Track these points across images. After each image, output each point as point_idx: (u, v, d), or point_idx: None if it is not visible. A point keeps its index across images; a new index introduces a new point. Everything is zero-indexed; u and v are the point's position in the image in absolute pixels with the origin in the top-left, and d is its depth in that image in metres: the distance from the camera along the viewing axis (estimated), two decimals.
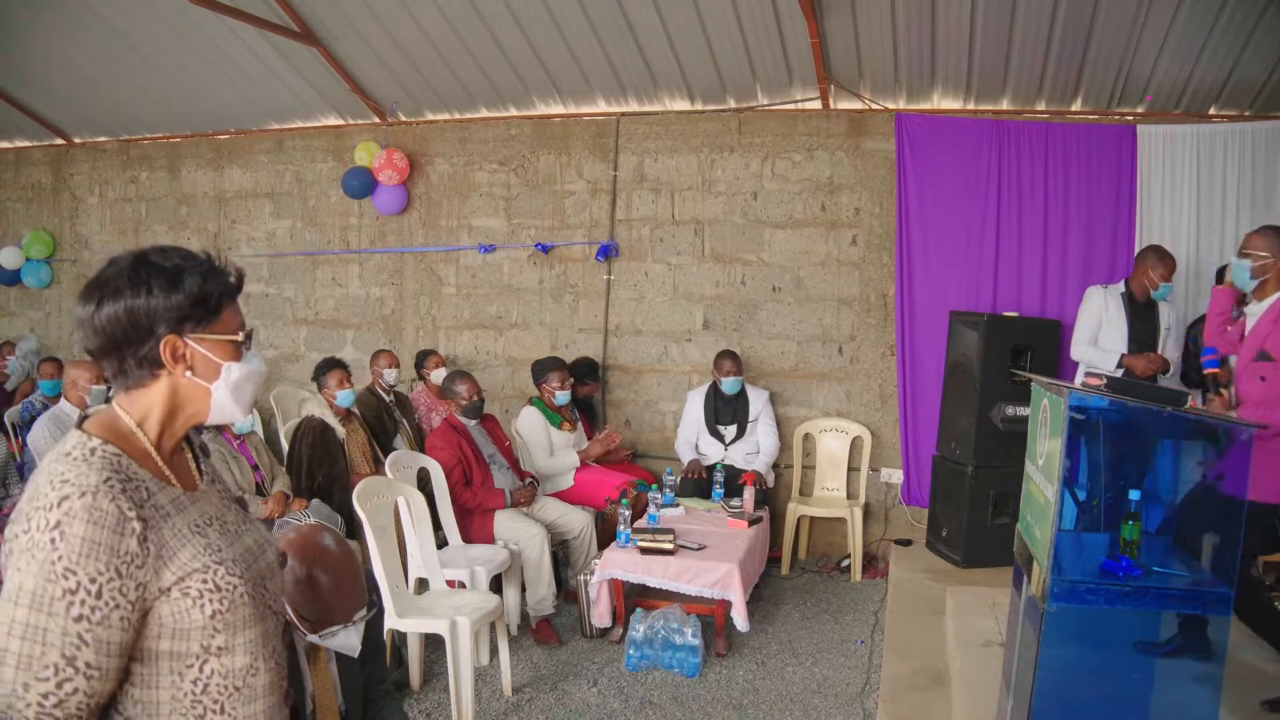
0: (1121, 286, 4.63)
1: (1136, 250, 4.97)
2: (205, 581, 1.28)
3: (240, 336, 1.36)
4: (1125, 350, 4.50)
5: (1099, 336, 4.61)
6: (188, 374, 1.33)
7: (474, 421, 4.87)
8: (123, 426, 1.32)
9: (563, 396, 5.31)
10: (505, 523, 4.57)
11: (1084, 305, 4.71)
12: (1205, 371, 3.49)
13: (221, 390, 1.35)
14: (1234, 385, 3.33)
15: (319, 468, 4.61)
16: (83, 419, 1.36)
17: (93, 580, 1.19)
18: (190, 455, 1.44)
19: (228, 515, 1.41)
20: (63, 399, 4.93)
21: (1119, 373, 4.44)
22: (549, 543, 4.56)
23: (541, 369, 5.39)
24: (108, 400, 1.40)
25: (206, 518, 1.35)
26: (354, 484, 4.37)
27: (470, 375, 4.92)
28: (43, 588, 1.17)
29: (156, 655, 1.26)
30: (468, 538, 4.53)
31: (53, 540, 1.18)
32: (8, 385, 6.80)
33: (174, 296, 1.29)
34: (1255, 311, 3.31)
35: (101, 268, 1.33)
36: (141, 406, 1.33)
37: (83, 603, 1.18)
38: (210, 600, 1.28)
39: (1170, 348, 4.54)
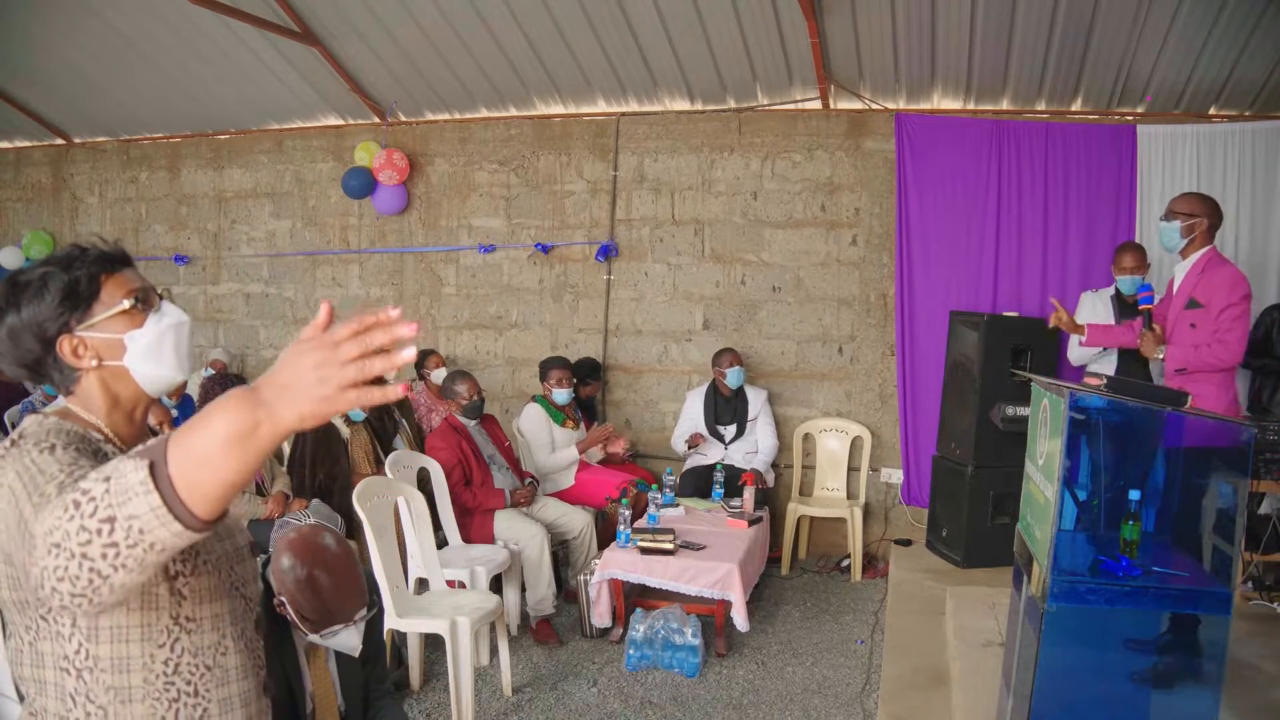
0: (1111, 289, 4.65)
1: None
2: None
3: (126, 304, 1.31)
4: (1116, 351, 4.53)
5: None
6: (95, 363, 1.31)
7: (474, 422, 4.87)
8: (74, 414, 1.33)
9: (561, 395, 5.31)
10: (505, 522, 4.57)
11: (1076, 311, 4.76)
12: (1141, 308, 3.77)
13: (136, 361, 1.32)
14: (1163, 331, 3.68)
15: (321, 466, 4.61)
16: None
17: (67, 444, 1.21)
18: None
19: None
20: (59, 398, 4.94)
21: (1104, 361, 4.58)
22: (549, 543, 4.56)
23: (546, 366, 5.42)
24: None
25: None
26: (355, 484, 4.37)
27: (470, 375, 4.92)
28: (21, 466, 1.17)
29: (127, 631, 1.24)
30: (468, 538, 4.53)
31: (14, 442, 1.21)
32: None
33: (45, 300, 1.28)
34: (1183, 268, 3.65)
35: None
36: (86, 399, 1.34)
37: (63, 449, 1.20)
38: (174, 560, 1.25)
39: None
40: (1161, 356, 3.65)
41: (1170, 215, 3.64)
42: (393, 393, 0.96)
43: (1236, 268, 3.60)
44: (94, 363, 1.31)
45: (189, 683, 1.29)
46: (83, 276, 1.30)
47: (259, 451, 0.95)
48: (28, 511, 1.11)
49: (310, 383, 0.92)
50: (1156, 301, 3.78)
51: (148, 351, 1.32)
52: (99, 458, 1.25)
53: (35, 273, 1.30)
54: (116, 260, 1.34)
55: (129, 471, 0.95)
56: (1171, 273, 3.80)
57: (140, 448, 0.99)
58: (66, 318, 1.29)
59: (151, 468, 0.95)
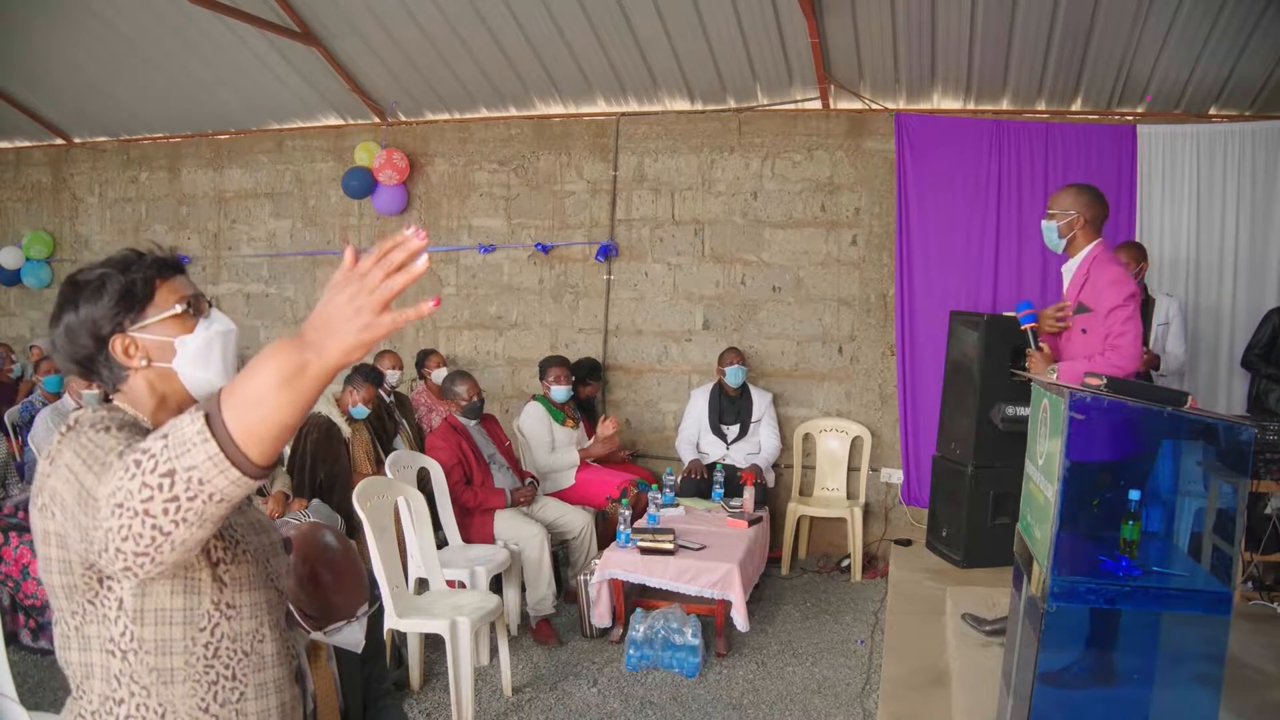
0: None
1: None
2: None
3: (179, 308, 1.36)
4: None
5: None
6: (145, 363, 1.36)
7: (474, 422, 4.87)
8: (126, 410, 1.37)
9: (559, 392, 5.31)
10: (505, 522, 4.57)
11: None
12: (1022, 327, 3.48)
13: (185, 365, 1.37)
14: (1050, 341, 3.41)
15: (321, 466, 4.61)
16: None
17: (122, 425, 1.26)
18: None
19: None
20: (65, 395, 4.95)
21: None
22: (549, 543, 4.56)
23: (545, 365, 5.42)
24: (108, 400, 1.42)
25: None
26: (355, 484, 4.37)
27: (470, 375, 4.92)
28: (79, 445, 1.21)
29: (171, 614, 1.28)
30: (467, 538, 4.54)
31: (71, 429, 1.25)
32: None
33: (103, 300, 1.33)
34: (1069, 268, 3.37)
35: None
36: (134, 399, 1.39)
37: (118, 429, 1.25)
38: (215, 547, 1.31)
39: (1172, 340, 4.55)
40: (1054, 376, 3.36)
41: (1047, 213, 3.37)
42: (425, 307, 1.00)
43: (1122, 266, 3.34)
44: (144, 363, 1.36)
45: (227, 666, 1.33)
46: (139, 279, 1.35)
47: (310, 390, 1.00)
48: (89, 481, 1.15)
49: (348, 314, 0.99)
50: (1069, 311, 3.46)
51: (196, 356, 1.37)
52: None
53: (94, 273, 1.35)
54: (171, 266, 1.40)
55: (186, 424, 0.99)
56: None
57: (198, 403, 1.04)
58: (121, 318, 1.34)
59: (207, 418, 0.99)
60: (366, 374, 4.92)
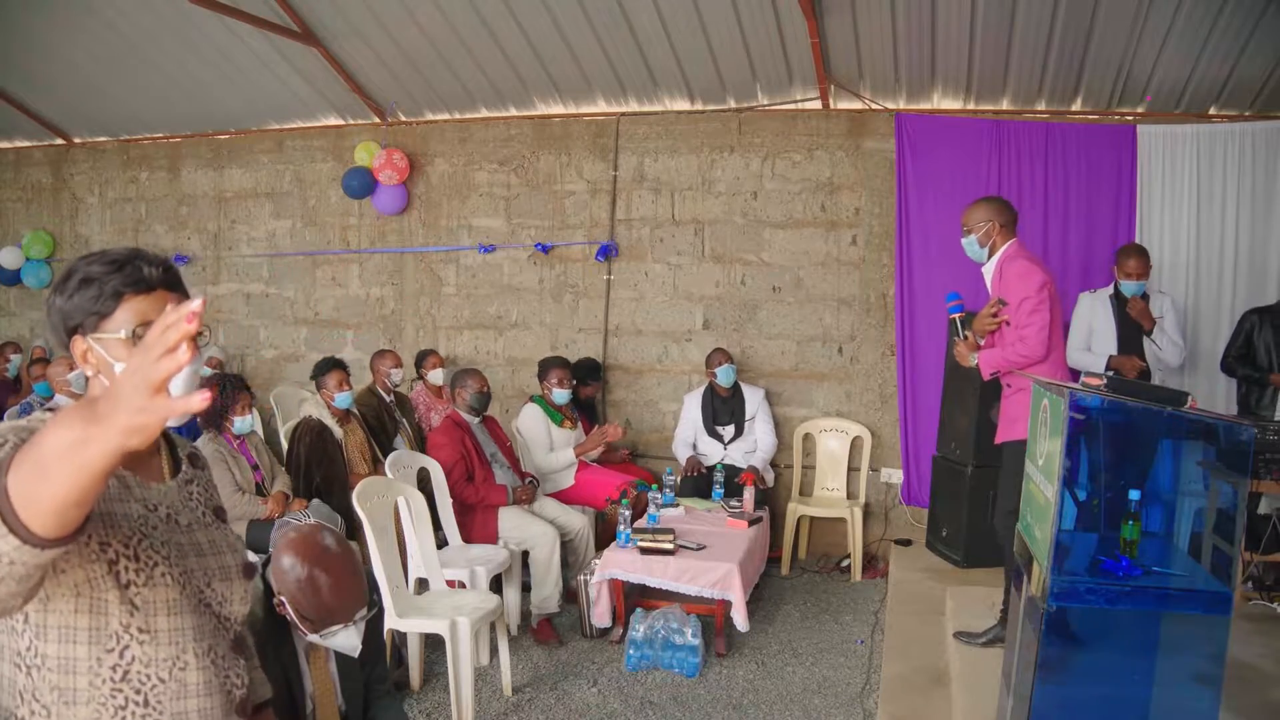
0: (1110, 289, 4.65)
1: None
2: (126, 546, 1.25)
3: (122, 334, 1.29)
4: (1115, 351, 4.53)
5: (1091, 341, 4.65)
6: (94, 373, 1.32)
7: (477, 420, 4.88)
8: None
9: (560, 395, 5.31)
10: (512, 521, 4.57)
11: (1074, 312, 4.76)
12: (950, 316, 3.71)
13: None
14: (975, 332, 3.62)
15: (317, 469, 4.60)
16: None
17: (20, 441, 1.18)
18: (167, 454, 1.43)
19: (183, 514, 1.38)
20: (56, 396, 4.95)
21: (1110, 374, 4.50)
22: (559, 542, 4.58)
23: (545, 366, 5.41)
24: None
25: (153, 503, 1.34)
26: (353, 484, 4.37)
27: (479, 372, 4.95)
28: None
29: (75, 633, 1.23)
30: (469, 537, 4.53)
31: None
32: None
33: (75, 298, 1.31)
34: (988, 270, 3.61)
35: None
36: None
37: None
38: (126, 569, 1.24)
39: (1168, 339, 4.56)
40: (975, 364, 3.57)
41: (964, 231, 3.60)
42: (196, 400, 0.93)
43: (1031, 260, 3.48)
44: (92, 373, 1.32)
45: (139, 691, 1.27)
46: (107, 289, 1.30)
47: (91, 468, 0.93)
48: None
49: (128, 392, 0.91)
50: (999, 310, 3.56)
51: None
52: None
53: (85, 267, 1.32)
54: (149, 283, 1.32)
55: None
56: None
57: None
58: (83, 321, 1.31)
59: None
60: (323, 368, 4.91)
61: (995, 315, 3.48)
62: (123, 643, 1.25)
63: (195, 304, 0.92)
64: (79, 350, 1.31)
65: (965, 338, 3.65)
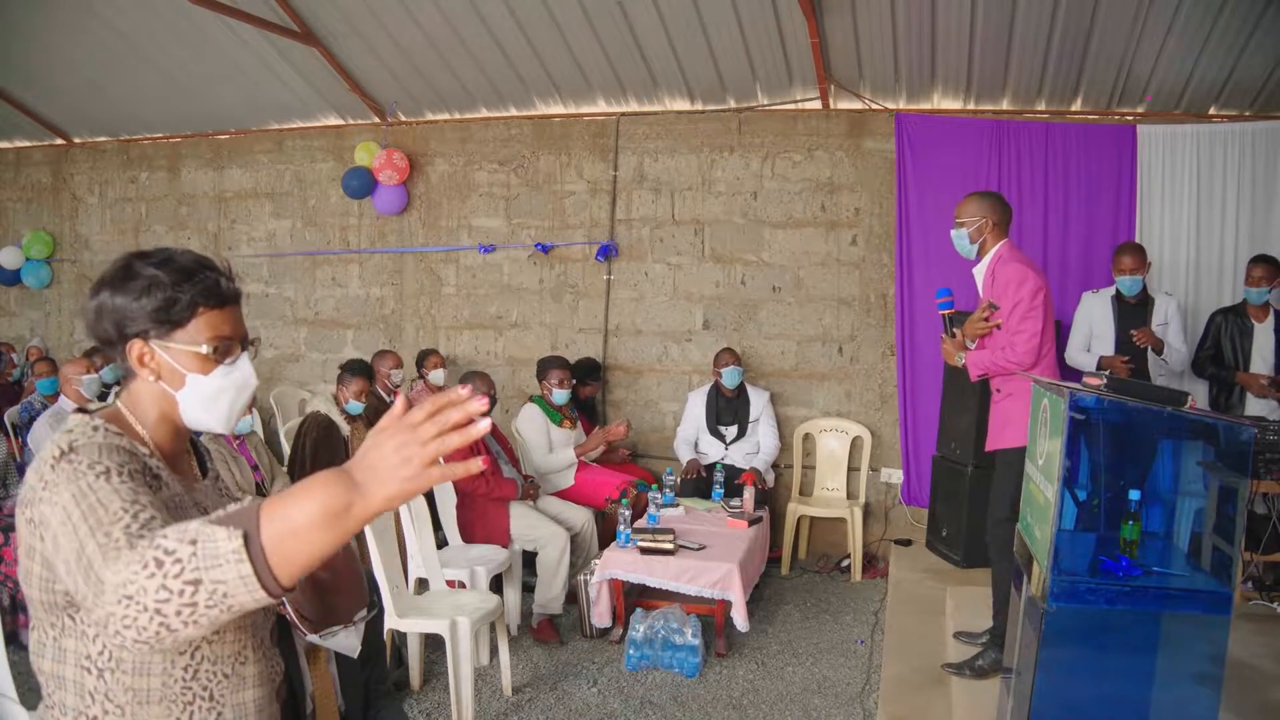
0: (1112, 290, 4.65)
1: None
2: (195, 544, 1.25)
3: (204, 349, 1.32)
4: (1113, 352, 4.54)
5: (1091, 342, 4.65)
6: (153, 379, 1.33)
7: None
8: (123, 418, 1.35)
9: (560, 395, 5.31)
10: (523, 521, 4.57)
11: (1076, 312, 4.77)
12: (941, 312, 3.64)
13: (188, 401, 1.34)
14: (966, 335, 3.56)
15: (322, 464, 4.61)
16: (80, 411, 1.38)
17: (121, 466, 1.20)
18: (194, 455, 1.47)
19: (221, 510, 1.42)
20: (61, 396, 4.94)
21: (1105, 375, 4.51)
22: (569, 544, 4.58)
23: (544, 366, 5.41)
24: (105, 389, 1.42)
25: (200, 508, 1.37)
26: None
27: (486, 375, 4.95)
28: (78, 486, 1.16)
29: None
30: (475, 536, 4.53)
31: (69, 460, 1.19)
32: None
33: (141, 302, 1.30)
34: (979, 270, 3.52)
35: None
36: (137, 403, 1.36)
37: (119, 476, 1.19)
38: None
39: (1173, 339, 4.56)
40: (962, 363, 3.51)
41: (956, 223, 3.50)
42: (475, 465, 1.05)
43: (1025, 263, 3.39)
44: (152, 378, 1.33)
45: (205, 688, 1.31)
46: (184, 300, 1.30)
47: (349, 530, 1.01)
48: (91, 549, 1.10)
49: (395, 464, 0.99)
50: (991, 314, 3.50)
51: (202, 399, 1.34)
52: (149, 476, 1.28)
53: (149, 269, 1.30)
54: (224, 297, 1.34)
55: (221, 539, 0.99)
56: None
57: (226, 513, 1.03)
58: (149, 327, 1.30)
59: (245, 537, 0.99)
60: (353, 370, 4.92)
61: (987, 319, 3.42)
62: (195, 643, 1.29)
63: (482, 403, 1.02)
64: (136, 353, 1.31)
65: (954, 335, 3.59)
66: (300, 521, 0.99)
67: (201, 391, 1.34)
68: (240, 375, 1.37)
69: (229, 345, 1.35)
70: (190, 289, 1.31)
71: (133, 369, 1.33)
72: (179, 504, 1.33)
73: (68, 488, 1.17)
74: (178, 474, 1.38)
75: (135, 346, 1.31)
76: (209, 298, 1.32)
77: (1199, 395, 4.99)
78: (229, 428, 1.40)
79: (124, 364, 1.34)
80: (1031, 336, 3.29)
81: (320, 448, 4.62)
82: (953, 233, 3.53)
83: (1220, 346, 4.61)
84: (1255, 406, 4.53)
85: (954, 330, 3.60)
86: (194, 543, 1.00)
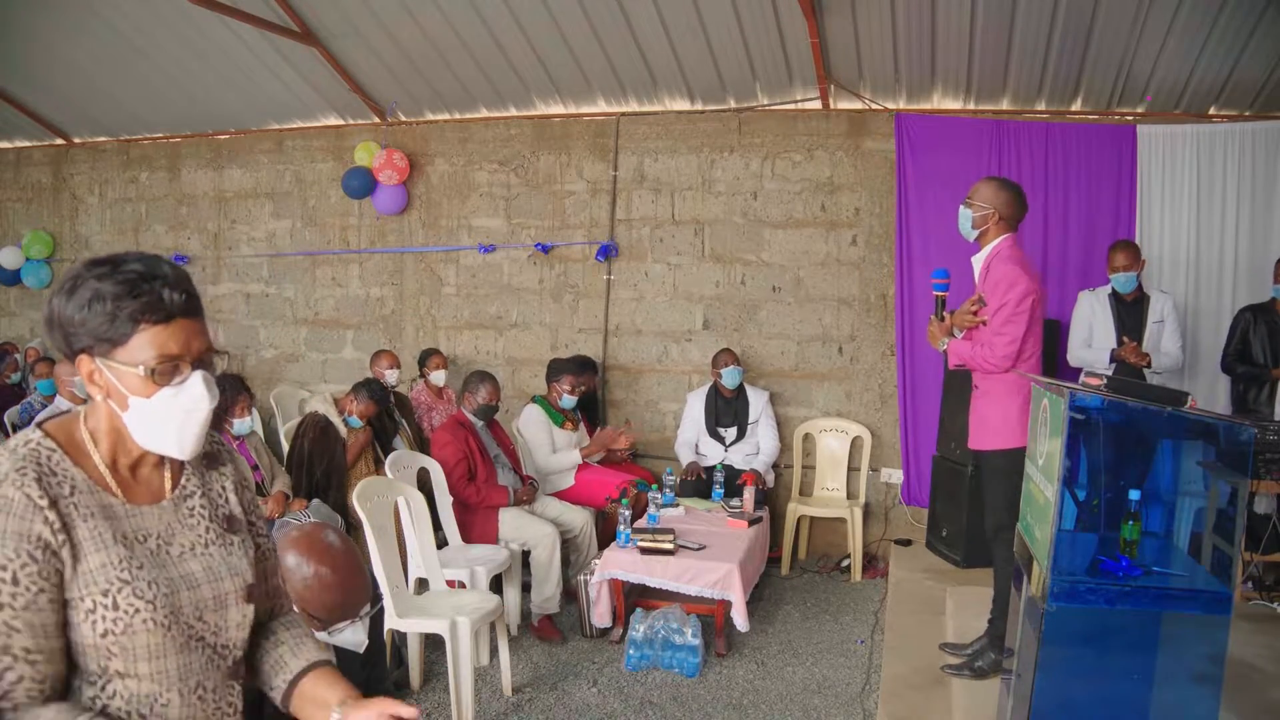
0: (1109, 288, 4.66)
1: None
2: (106, 596, 1.22)
3: (140, 370, 1.21)
4: (1114, 347, 4.55)
5: (1092, 339, 4.66)
6: (102, 397, 1.26)
7: (481, 421, 4.88)
8: (75, 429, 1.29)
9: (568, 401, 5.32)
10: (513, 522, 4.57)
11: (1075, 311, 4.77)
12: (935, 294, 3.57)
13: (134, 423, 1.25)
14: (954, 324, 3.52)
15: (319, 463, 4.61)
16: (44, 420, 1.34)
17: (3, 567, 1.15)
18: (170, 471, 1.37)
19: (178, 536, 1.33)
20: (58, 397, 4.95)
21: (1113, 368, 4.53)
22: (560, 543, 4.58)
23: (557, 370, 5.39)
24: None
25: (142, 533, 1.29)
26: (353, 484, 4.37)
27: (494, 379, 4.93)
28: None
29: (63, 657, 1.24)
30: (469, 537, 4.54)
31: None
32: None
33: (83, 314, 1.21)
34: (978, 260, 3.45)
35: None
36: (95, 416, 1.30)
37: (13, 579, 1.15)
38: (103, 619, 1.21)
39: (1167, 338, 4.57)
40: (944, 349, 3.49)
41: (966, 201, 3.42)
42: None
43: (1020, 266, 3.31)
44: (100, 396, 1.26)
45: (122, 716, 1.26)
46: (123, 317, 1.20)
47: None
48: None
49: None
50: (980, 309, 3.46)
51: (146, 422, 1.25)
52: (47, 543, 1.19)
53: (95, 281, 1.21)
54: (170, 311, 1.23)
55: None
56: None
57: None
58: (91, 342, 1.22)
59: None
60: (373, 392, 4.94)
61: (975, 314, 3.40)
62: (103, 680, 1.25)
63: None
64: (85, 369, 1.24)
65: (943, 318, 3.53)
66: None
67: (144, 415, 1.24)
68: (188, 398, 1.25)
69: (174, 365, 1.24)
70: (130, 303, 1.20)
71: (86, 385, 1.26)
72: (111, 514, 1.27)
73: None
74: (129, 494, 1.30)
75: (83, 363, 1.24)
76: (150, 312, 1.21)
77: (1221, 391, 5.00)
78: (183, 452, 1.29)
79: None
80: (1011, 341, 3.25)
81: (316, 448, 4.62)
82: (960, 208, 3.45)
83: (1248, 342, 4.60)
84: None
85: (944, 314, 3.56)
86: None
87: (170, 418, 1.25)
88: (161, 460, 1.35)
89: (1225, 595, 2.22)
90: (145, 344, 1.22)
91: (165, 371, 1.23)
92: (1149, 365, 4.49)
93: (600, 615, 4.41)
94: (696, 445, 5.73)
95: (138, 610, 1.23)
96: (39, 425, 1.29)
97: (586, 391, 5.97)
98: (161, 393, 1.24)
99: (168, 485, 1.36)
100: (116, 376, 1.23)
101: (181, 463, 1.38)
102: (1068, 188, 5.35)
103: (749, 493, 5.01)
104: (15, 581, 1.15)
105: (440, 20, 5.51)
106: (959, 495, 4.92)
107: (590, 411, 6.00)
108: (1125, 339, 4.48)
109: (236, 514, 1.44)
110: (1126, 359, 4.46)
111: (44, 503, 1.19)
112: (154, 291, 1.21)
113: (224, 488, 1.44)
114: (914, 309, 5.63)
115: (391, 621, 3.57)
